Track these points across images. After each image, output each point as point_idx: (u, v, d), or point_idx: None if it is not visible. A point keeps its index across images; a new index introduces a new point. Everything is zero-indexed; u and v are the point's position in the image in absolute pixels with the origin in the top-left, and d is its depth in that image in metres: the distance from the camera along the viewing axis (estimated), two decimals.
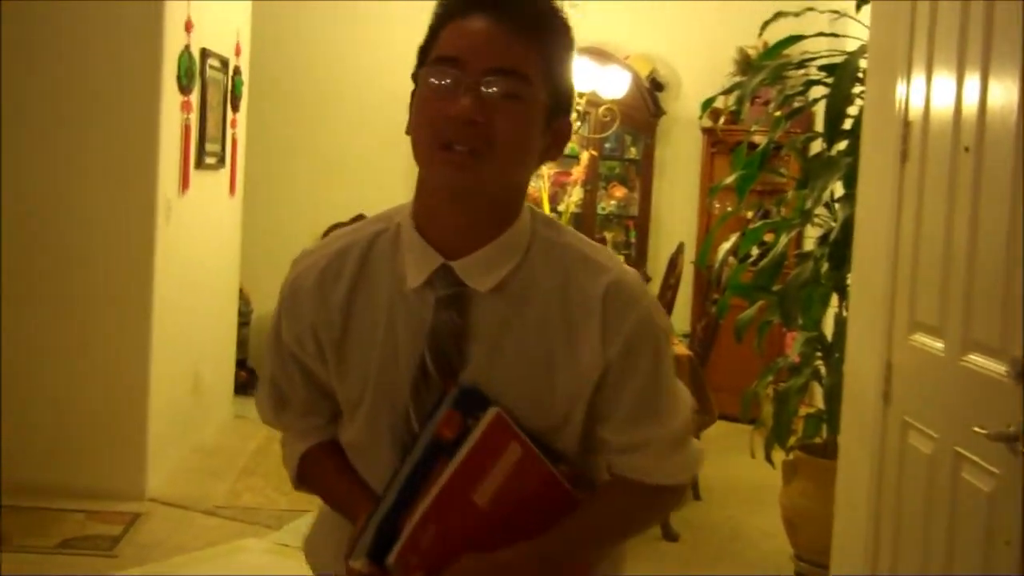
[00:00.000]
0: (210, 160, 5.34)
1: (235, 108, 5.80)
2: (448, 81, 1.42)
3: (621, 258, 1.62)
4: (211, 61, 5.22)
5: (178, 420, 5.13)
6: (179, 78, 4.77)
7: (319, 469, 1.68)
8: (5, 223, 4.58)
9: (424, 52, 1.49)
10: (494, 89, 1.41)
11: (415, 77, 1.48)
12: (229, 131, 5.71)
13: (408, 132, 1.48)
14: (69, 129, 4.58)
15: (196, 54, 4.97)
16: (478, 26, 1.44)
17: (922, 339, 2.73)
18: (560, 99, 1.51)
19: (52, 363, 4.63)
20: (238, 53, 5.77)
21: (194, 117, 5.01)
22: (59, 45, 4.55)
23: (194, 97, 4.99)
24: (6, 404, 4.40)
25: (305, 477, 1.70)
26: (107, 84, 4.56)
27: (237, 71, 5.78)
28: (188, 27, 4.83)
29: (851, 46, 3.98)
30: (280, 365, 1.64)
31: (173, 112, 4.75)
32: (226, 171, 5.74)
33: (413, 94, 1.49)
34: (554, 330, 1.50)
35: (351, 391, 1.57)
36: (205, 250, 5.43)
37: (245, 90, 5.95)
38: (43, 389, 4.62)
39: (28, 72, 4.55)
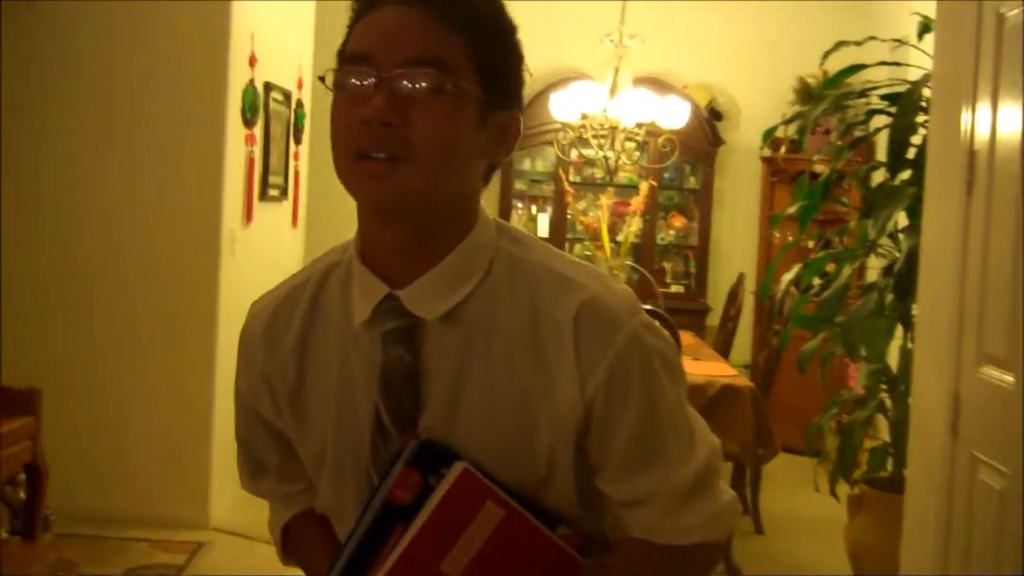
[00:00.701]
0: (273, 192, 5.41)
1: (297, 140, 5.87)
2: (360, 82, 1.23)
3: (622, 277, 1.38)
4: (274, 94, 5.30)
5: None
6: (243, 111, 4.84)
7: (299, 540, 1.48)
8: (74, 254, 4.67)
9: (340, 56, 1.30)
10: (409, 83, 1.21)
11: (325, 81, 1.28)
12: (291, 163, 5.77)
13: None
14: (136, 163, 4.66)
15: (260, 88, 5.04)
16: (388, 17, 1.24)
17: (991, 372, 2.69)
18: (498, 88, 1.28)
19: (119, 392, 4.69)
20: (300, 86, 5.84)
21: (258, 150, 5.08)
22: (128, 80, 4.64)
23: (258, 130, 5.06)
24: (74, 433, 4.46)
25: (288, 550, 1.51)
26: (173, 118, 4.64)
27: (299, 104, 5.85)
28: (252, 62, 4.90)
29: (912, 75, 3.95)
30: (245, 425, 1.47)
31: (237, 145, 4.82)
32: (288, 203, 5.80)
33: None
34: (524, 365, 1.26)
35: (312, 449, 1.37)
36: (268, 281, 5.42)
37: (307, 122, 6.02)
38: (109, 418, 4.68)
39: (97, 106, 4.65)
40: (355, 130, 1.21)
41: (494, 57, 1.27)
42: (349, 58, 1.25)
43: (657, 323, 1.32)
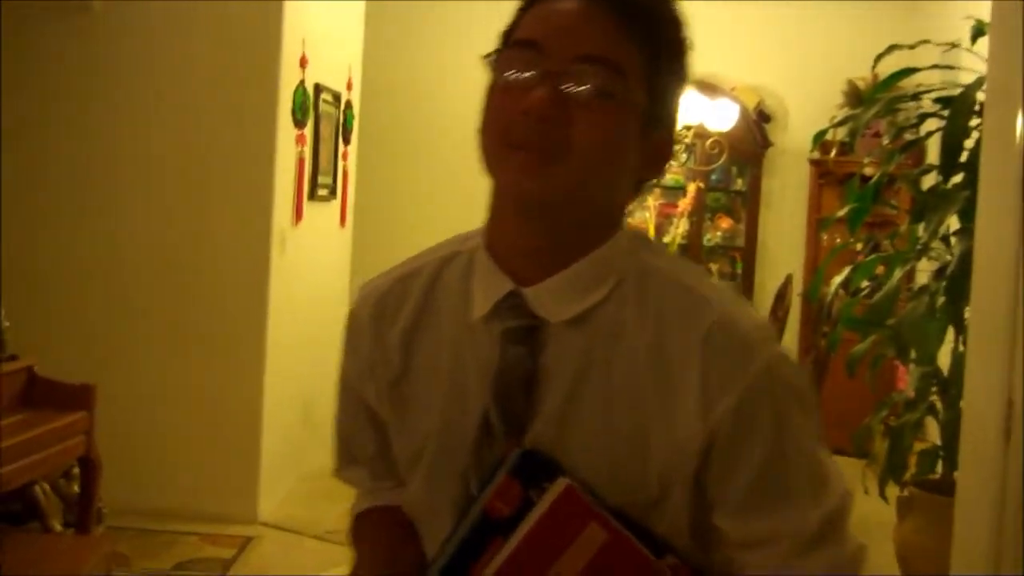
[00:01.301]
0: (322, 192, 5.46)
1: (346, 141, 5.91)
2: (525, 71, 1.16)
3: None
4: (324, 95, 5.34)
5: (289, 446, 5.22)
6: (294, 112, 4.88)
7: (363, 535, 1.42)
8: (129, 252, 4.74)
9: (505, 36, 1.23)
10: (577, 80, 1.13)
11: (489, 63, 1.21)
12: (340, 163, 5.82)
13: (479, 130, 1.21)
14: (190, 162, 4.73)
15: (310, 89, 5.09)
16: (567, 7, 1.16)
17: None
18: (662, 106, 1.21)
19: (170, 388, 4.76)
20: (349, 88, 5.89)
21: (308, 150, 5.13)
22: (181, 81, 4.71)
23: (308, 130, 5.11)
24: (126, 429, 4.52)
25: (353, 536, 1.44)
26: (226, 119, 4.70)
27: (348, 105, 5.90)
28: (303, 63, 4.95)
29: (964, 78, 3.93)
30: (345, 411, 1.41)
31: (288, 145, 4.87)
32: (337, 202, 5.85)
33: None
34: (645, 381, 1.17)
35: (410, 444, 1.29)
36: (316, 280, 5.54)
37: (356, 123, 6.07)
38: (161, 414, 4.75)
39: (153, 106, 4.72)
40: (511, 118, 1.15)
41: (666, 73, 1.21)
42: (517, 43, 1.18)
43: (788, 351, 1.23)
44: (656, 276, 1.22)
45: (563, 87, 1.14)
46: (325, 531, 4.79)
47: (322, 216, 5.56)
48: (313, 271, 5.46)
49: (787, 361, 1.20)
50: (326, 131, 5.45)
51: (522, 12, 1.22)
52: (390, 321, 1.31)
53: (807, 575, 1.18)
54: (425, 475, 1.27)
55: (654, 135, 1.21)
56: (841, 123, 4.22)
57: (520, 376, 1.19)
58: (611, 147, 1.17)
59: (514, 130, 1.15)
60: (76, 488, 3.89)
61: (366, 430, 1.38)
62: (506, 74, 1.18)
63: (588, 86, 1.14)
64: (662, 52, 1.20)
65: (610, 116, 1.15)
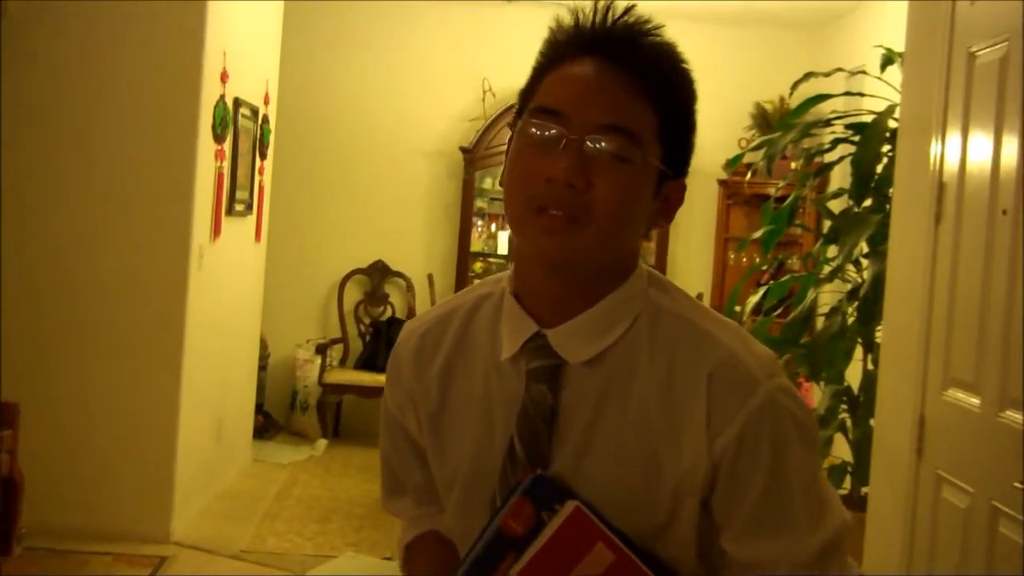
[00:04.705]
0: (239, 207, 5.42)
1: (263, 156, 5.88)
2: (548, 134, 1.25)
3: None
4: (243, 110, 5.32)
5: (203, 464, 5.17)
6: (214, 127, 4.85)
7: (416, 561, 1.52)
8: (43, 268, 4.64)
9: (525, 97, 1.32)
10: (600, 146, 1.23)
11: (512, 126, 1.31)
12: (257, 178, 5.79)
13: (501, 184, 1.32)
14: (109, 178, 4.64)
15: (230, 103, 5.06)
16: (586, 74, 1.26)
17: (957, 395, 2.79)
18: (676, 160, 1.32)
19: (84, 406, 4.67)
20: (267, 102, 5.87)
21: (227, 165, 5.09)
22: (101, 95, 4.63)
23: (227, 145, 5.07)
24: (38, 447, 4.43)
25: (407, 567, 1.54)
26: (147, 133, 4.63)
27: (265, 119, 5.87)
28: (224, 77, 4.92)
29: (869, 104, 4.07)
30: (391, 443, 1.50)
31: (208, 160, 4.83)
32: (253, 218, 5.81)
33: (509, 141, 1.32)
34: (656, 415, 1.27)
35: (445, 472, 1.40)
36: (232, 296, 5.50)
37: (272, 138, 6.05)
38: (74, 433, 4.65)
39: (72, 119, 4.63)
40: (538, 185, 1.24)
41: (678, 131, 1.32)
42: (541, 111, 1.26)
43: (795, 388, 1.32)
44: (667, 315, 1.32)
45: (583, 152, 1.23)
46: (240, 550, 4.75)
47: (239, 231, 5.52)
48: (229, 287, 5.42)
49: (789, 394, 1.28)
50: (244, 146, 5.42)
51: (541, 73, 1.31)
52: (429, 357, 1.41)
53: None
54: (457, 500, 1.38)
55: (667, 186, 1.32)
56: (758, 147, 4.34)
57: (543, 412, 1.30)
58: (629, 208, 1.27)
59: (539, 196, 1.24)
60: None
61: (409, 460, 1.49)
62: (530, 139, 1.26)
63: (607, 153, 1.24)
64: (675, 109, 1.31)
65: (627, 179, 1.25)
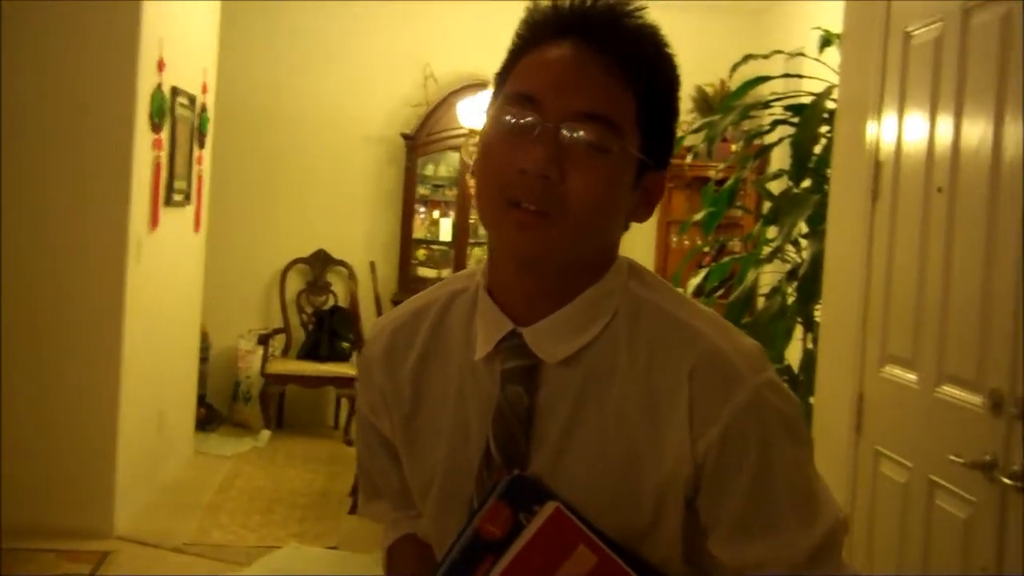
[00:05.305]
0: (178, 197, 5.36)
1: (201, 145, 5.82)
2: (522, 121, 1.17)
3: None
4: (180, 99, 5.25)
5: (144, 457, 5.11)
6: (151, 116, 4.79)
7: (399, 562, 1.46)
8: None
9: (500, 81, 1.24)
10: (577, 135, 1.15)
11: (487, 111, 1.24)
12: (195, 168, 5.73)
13: (472, 174, 1.27)
14: (44, 169, 4.57)
15: (167, 92, 5.00)
16: (562, 57, 1.17)
17: (894, 371, 2.82)
18: (656, 152, 1.23)
19: (22, 399, 4.59)
20: (205, 91, 5.80)
21: (164, 155, 5.03)
22: (34, 85, 4.55)
23: (164, 135, 5.01)
24: None
25: (390, 570, 1.48)
26: (83, 123, 4.56)
27: (204, 108, 5.81)
28: (160, 66, 4.85)
29: (807, 86, 4.11)
30: (366, 447, 1.44)
31: (145, 150, 4.77)
32: (192, 208, 5.75)
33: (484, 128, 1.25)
34: (636, 413, 1.20)
35: (421, 475, 1.33)
36: (171, 287, 5.44)
37: (211, 127, 5.98)
38: (11, 428, 4.57)
39: (4, 109, 4.54)
40: (511, 176, 1.17)
41: (659, 119, 1.22)
42: (515, 97, 1.19)
43: (783, 382, 1.25)
44: (647, 309, 1.24)
45: (558, 141, 1.16)
46: (183, 543, 4.72)
47: (177, 222, 5.46)
48: (168, 278, 5.35)
49: (775, 389, 1.21)
50: (182, 135, 5.35)
51: (516, 55, 1.23)
52: (401, 355, 1.34)
53: None
54: (434, 504, 1.32)
55: (647, 177, 1.24)
56: (698, 130, 4.37)
57: (519, 413, 1.23)
58: (606, 201, 1.19)
59: (512, 188, 1.17)
60: None
61: (387, 463, 1.42)
62: (503, 126, 1.19)
63: (583, 142, 1.16)
64: (657, 96, 1.21)
65: (605, 170, 1.17)
